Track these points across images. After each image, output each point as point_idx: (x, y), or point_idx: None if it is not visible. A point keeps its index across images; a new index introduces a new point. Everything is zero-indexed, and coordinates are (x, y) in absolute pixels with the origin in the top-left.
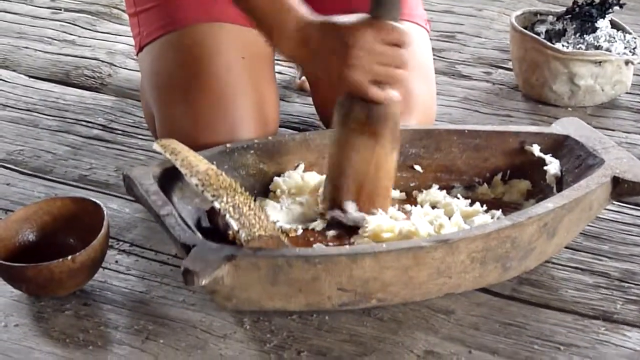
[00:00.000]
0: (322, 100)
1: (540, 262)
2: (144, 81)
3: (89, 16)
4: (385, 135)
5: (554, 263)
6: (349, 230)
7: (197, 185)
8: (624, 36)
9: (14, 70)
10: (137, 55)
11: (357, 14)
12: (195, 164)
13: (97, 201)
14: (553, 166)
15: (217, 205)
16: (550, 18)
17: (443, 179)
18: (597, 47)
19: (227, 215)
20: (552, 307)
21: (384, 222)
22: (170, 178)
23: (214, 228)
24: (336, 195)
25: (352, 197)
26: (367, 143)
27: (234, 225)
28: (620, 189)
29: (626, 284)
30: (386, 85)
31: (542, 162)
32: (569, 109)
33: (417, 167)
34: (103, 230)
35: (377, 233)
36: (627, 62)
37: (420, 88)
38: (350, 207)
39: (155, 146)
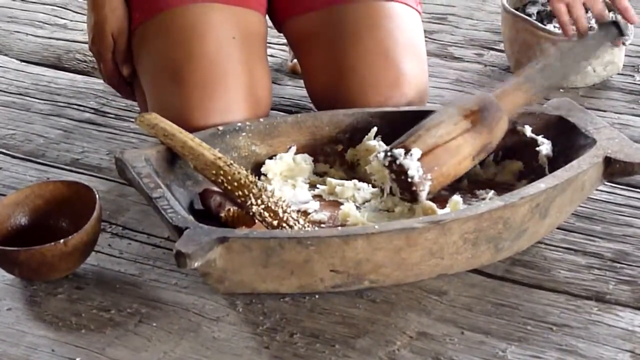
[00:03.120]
0: (313, 83)
1: (533, 242)
2: (136, 64)
3: (80, 0)
4: (482, 135)
5: (546, 244)
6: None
7: (213, 181)
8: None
9: (5, 55)
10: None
11: None
12: (199, 151)
13: (89, 185)
14: (545, 147)
15: (251, 210)
16: None
17: None
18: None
19: (261, 218)
20: (544, 288)
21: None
22: (162, 160)
23: (207, 210)
24: (408, 138)
25: (421, 148)
26: (463, 123)
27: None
28: (612, 169)
29: (619, 265)
30: None
31: (534, 143)
32: (561, 90)
33: None
34: (95, 214)
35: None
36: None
37: (412, 67)
38: (415, 152)
39: (138, 124)
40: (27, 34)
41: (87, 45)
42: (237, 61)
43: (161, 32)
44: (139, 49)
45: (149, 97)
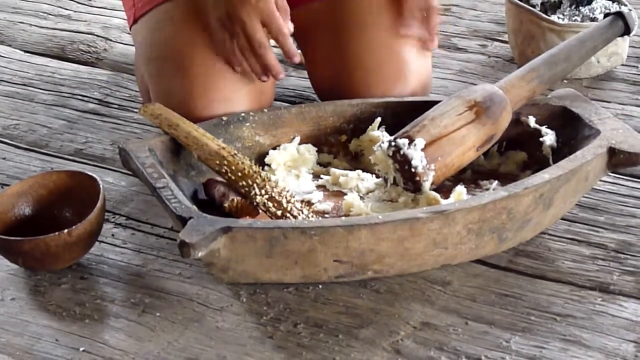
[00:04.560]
0: (317, 75)
1: (537, 233)
2: (139, 54)
3: None
4: (486, 126)
5: (550, 234)
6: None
7: (216, 171)
8: (620, 7)
9: (9, 45)
10: (130, 28)
11: None
12: (203, 141)
13: (93, 175)
14: (549, 137)
15: (254, 200)
16: None
17: None
18: (593, 19)
19: (265, 208)
20: (548, 278)
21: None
22: (166, 150)
23: (210, 200)
24: (413, 127)
25: (425, 138)
26: (468, 114)
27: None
28: (616, 159)
29: (622, 255)
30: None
31: (538, 133)
32: (565, 81)
33: None
34: (99, 204)
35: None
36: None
37: (415, 58)
38: (419, 142)
39: (142, 114)
40: (31, 24)
41: (90, 37)
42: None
43: (164, 21)
44: (142, 39)
45: (152, 86)
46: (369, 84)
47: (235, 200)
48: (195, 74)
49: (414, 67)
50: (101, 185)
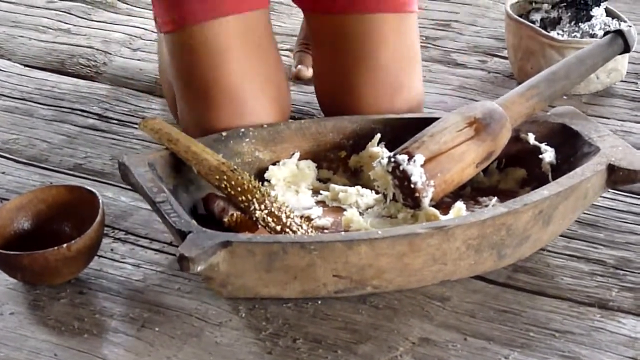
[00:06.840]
0: (323, 88)
1: (536, 249)
2: (167, 64)
3: (84, 5)
4: (486, 143)
5: (549, 251)
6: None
7: (216, 186)
8: (619, 24)
9: (8, 59)
10: (158, 34)
11: None
12: (203, 157)
13: (93, 189)
14: (548, 154)
15: (254, 215)
16: (545, 6)
17: None
18: (592, 36)
19: (264, 223)
20: (547, 295)
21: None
22: (166, 165)
23: (210, 215)
24: (412, 144)
25: (425, 154)
26: (467, 131)
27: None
28: (616, 176)
29: (621, 272)
30: None
31: (538, 150)
32: (564, 97)
33: None
34: (98, 219)
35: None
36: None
37: (412, 80)
38: (419, 158)
39: (142, 129)
40: (30, 38)
41: (90, 51)
42: (263, 75)
43: (185, 48)
44: (169, 54)
45: (182, 106)
46: (368, 100)
47: (234, 215)
48: (221, 106)
49: (409, 89)
50: (100, 200)
